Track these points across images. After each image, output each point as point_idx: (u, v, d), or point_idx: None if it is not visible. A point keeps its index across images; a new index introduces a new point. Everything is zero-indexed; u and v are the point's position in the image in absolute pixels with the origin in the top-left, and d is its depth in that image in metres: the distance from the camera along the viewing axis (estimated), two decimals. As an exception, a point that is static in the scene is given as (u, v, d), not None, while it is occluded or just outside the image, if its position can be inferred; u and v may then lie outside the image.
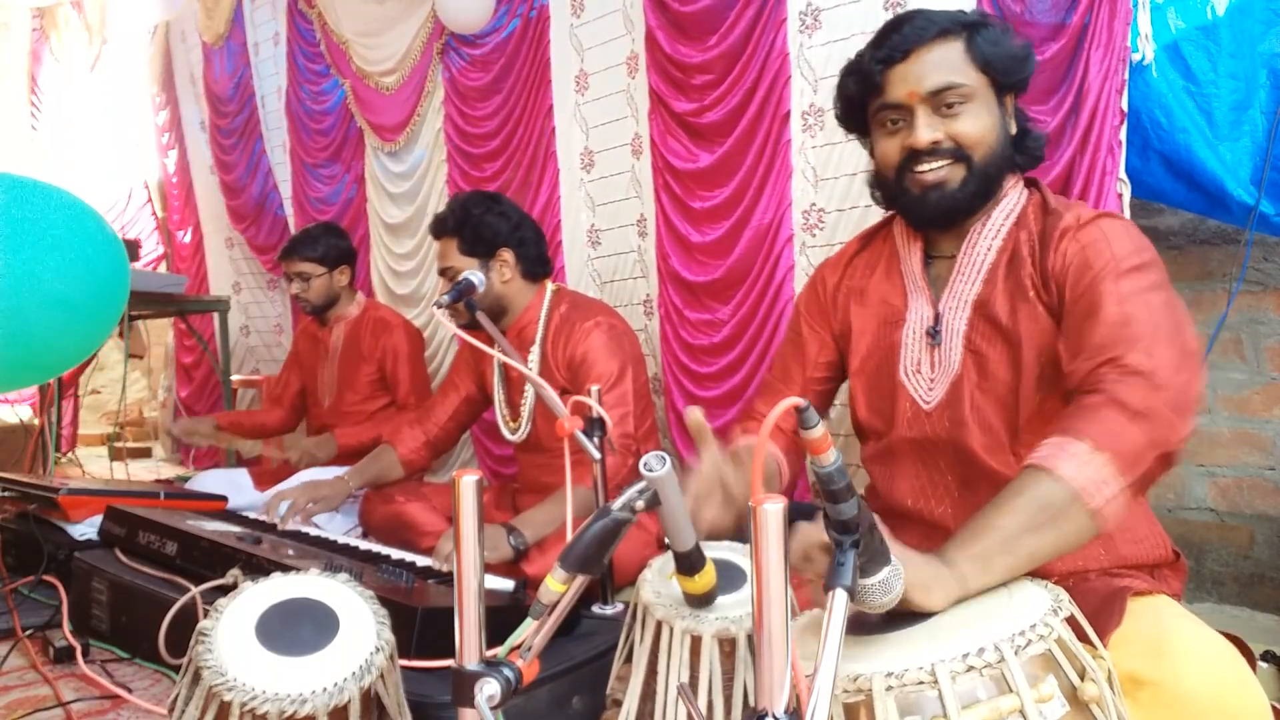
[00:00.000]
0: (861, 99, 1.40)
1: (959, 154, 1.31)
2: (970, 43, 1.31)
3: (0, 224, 1.86)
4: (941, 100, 1.30)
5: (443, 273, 2.41)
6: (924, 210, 1.36)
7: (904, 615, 0.96)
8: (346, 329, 3.16)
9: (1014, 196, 1.37)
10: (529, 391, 2.41)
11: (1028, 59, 1.35)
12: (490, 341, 2.09)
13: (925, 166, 1.32)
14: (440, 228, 2.40)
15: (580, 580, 0.93)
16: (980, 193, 1.33)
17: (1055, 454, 1.05)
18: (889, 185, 1.40)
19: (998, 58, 1.31)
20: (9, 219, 1.88)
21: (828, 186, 2.45)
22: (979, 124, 1.31)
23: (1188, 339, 1.14)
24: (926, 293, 1.40)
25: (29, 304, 1.89)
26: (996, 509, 1.04)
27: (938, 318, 1.37)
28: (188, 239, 5.15)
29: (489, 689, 0.85)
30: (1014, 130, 1.37)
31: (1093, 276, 1.21)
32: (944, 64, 1.30)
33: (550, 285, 2.45)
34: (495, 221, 2.36)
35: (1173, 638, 1.00)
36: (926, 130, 1.30)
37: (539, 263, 2.41)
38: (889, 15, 2.29)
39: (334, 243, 3.13)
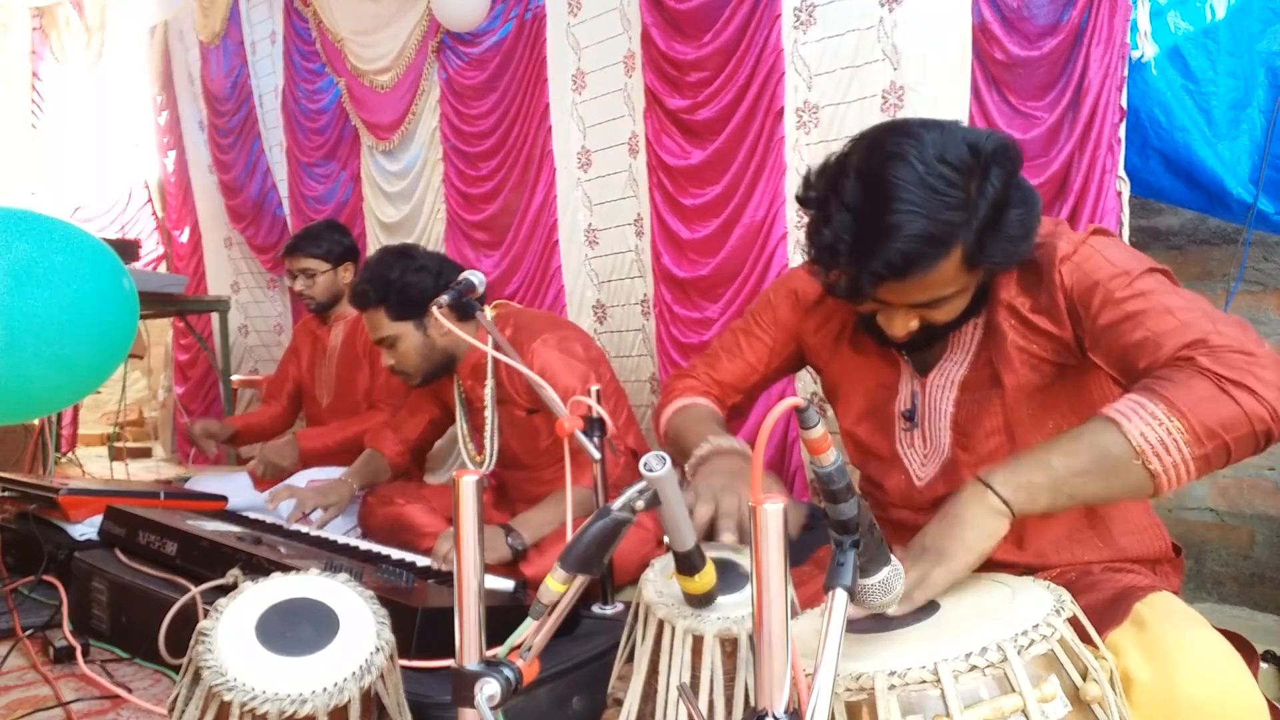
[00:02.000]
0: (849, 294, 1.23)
1: (927, 328, 1.24)
2: (965, 250, 1.13)
3: (6, 272, 1.79)
4: (924, 303, 1.21)
5: (379, 343, 2.38)
6: (896, 348, 1.34)
7: (909, 612, 0.96)
8: (346, 328, 3.15)
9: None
10: (490, 418, 2.37)
11: (1027, 225, 1.16)
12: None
13: (894, 333, 1.26)
14: (363, 301, 2.35)
15: (580, 580, 0.93)
16: (944, 337, 1.30)
17: (1128, 409, 1.04)
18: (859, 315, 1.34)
19: (995, 253, 1.15)
20: (14, 265, 1.80)
21: (825, 185, 2.44)
22: (957, 311, 1.23)
23: (1235, 317, 1.12)
24: (909, 369, 1.35)
25: (26, 358, 1.81)
26: (1052, 448, 1.05)
27: (913, 397, 1.33)
28: (185, 238, 5.15)
29: (489, 689, 0.85)
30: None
31: (1104, 291, 1.16)
32: (938, 282, 1.16)
33: (489, 310, 2.33)
34: (417, 279, 2.31)
35: (1171, 639, 0.99)
36: (902, 327, 1.22)
37: (465, 305, 2.10)
38: (884, 11, 2.29)
39: (338, 239, 3.13)
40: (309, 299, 3.13)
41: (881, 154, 1.13)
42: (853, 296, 1.19)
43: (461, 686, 0.86)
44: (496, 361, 2.28)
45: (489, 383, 2.35)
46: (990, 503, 1.04)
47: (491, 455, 2.39)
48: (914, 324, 1.22)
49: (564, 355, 2.26)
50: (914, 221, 1.09)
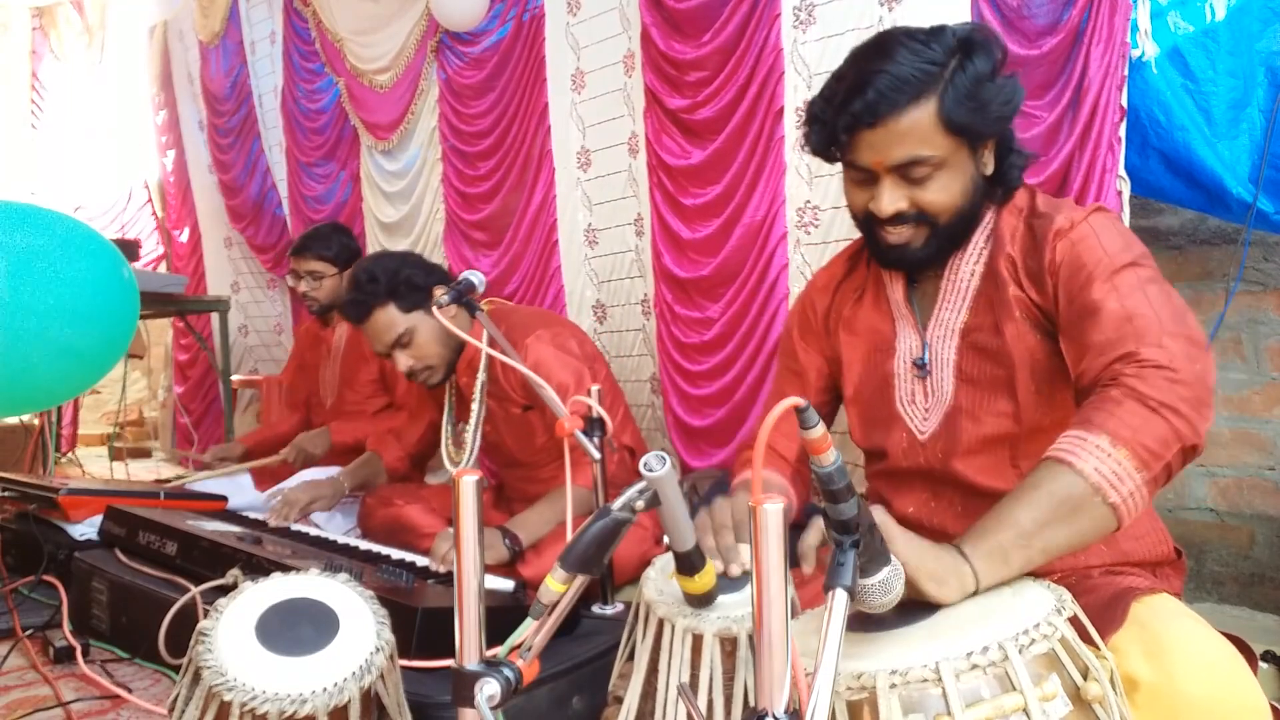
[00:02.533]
0: (827, 147, 1.32)
1: (923, 219, 1.27)
2: (941, 104, 1.20)
3: (6, 260, 1.81)
4: (908, 171, 1.24)
5: (395, 345, 2.32)
6: (887, 264, 1.37)
7: (909, 611, 0.96)
8: (350, 329, 3.16)
9: (989, 216, 1.34)
10: (474, 415, 2.38)
11: (1009, 103, 1.24)
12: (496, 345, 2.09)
13: (888, 230, 1.29)
14: (371, 298, 2.30)
15: (580, 580, 0.93)
16: (946, 248, 1.32)
17: (1074, 447, 1.05)
18: (858, 221, 1.36)
19: (972, 120, 1.22)
20: (16, 255, 1.82)
21: (822, 184, 2.45)
22: (947, 192, 1.26)
23: (1193, 328, 1.14)
24: (911, 320, 1.38)
25: (29, 347, 1.83)
26: (1014, 502, 1.04)
27: (924, 347, 1.36)
28: (184, 238, 5.15)
29: (489, 689, 0.85)
30: (990, 170, 1.31)
31: (1086, 275, 1.20)
32: (912, 135, 1.21)
33: (484, 307, 2.29)
34: (415, 271, 2.34)
35: (1172, 639, 0.99)
36: (890, 201, 1.26)
37: (469, 302, 2.14)
38: (883, 11, 2.29)
39: (345, 242, 3.15)
40: (313, 301, 3.13)
41: (872, 39, 1.29)
42: (831, 145, 1.28)
43: (461, 686, 0.86)
44: (491, 358, 2.27)
45: (480, 377, 2.35)
46: (965, 575, 0.99)
47: (472, 451, 2.39)
48: (903, 203, 1.26)
49: (558, 351, 2.26)
50: (887, 72, 1.21)
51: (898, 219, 1.27)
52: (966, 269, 1.33)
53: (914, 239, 1.29)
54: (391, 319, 2.30)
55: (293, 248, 3.17)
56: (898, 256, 1.32)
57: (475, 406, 2.36)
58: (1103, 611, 1.04)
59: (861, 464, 1.56)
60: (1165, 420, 1.05)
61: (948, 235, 1.30)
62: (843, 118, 1.23)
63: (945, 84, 1.21)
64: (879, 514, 0.96)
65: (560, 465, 1.78)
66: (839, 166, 1.35)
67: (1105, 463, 1.03)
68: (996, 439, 1.30)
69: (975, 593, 0.99)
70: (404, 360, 2.33)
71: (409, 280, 2.30)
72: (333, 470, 2.73)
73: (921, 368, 1.35)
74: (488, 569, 1.79)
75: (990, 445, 1.31)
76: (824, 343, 1.52)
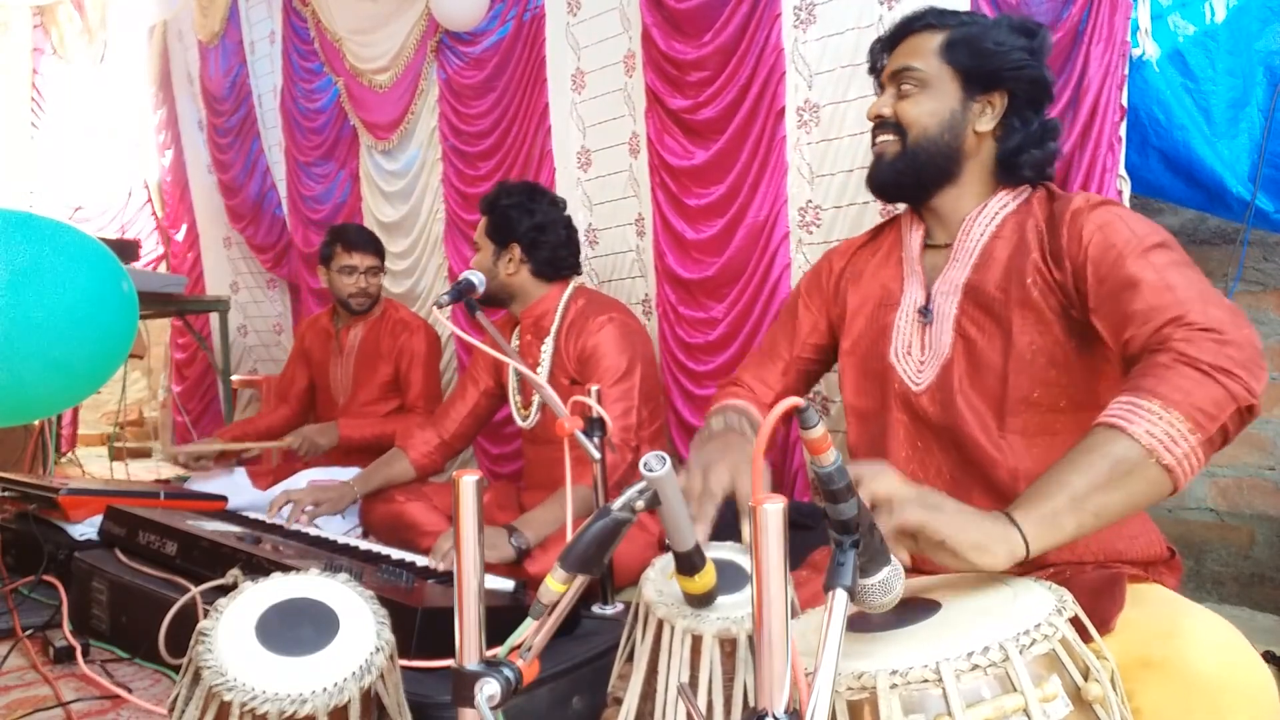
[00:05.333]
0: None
1: (897, 129, 1.42)
2: (949, 36, 1.40)
3: (4, 278, 1.78)
4: (900, 80, 1.42)
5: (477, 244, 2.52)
6: (869, 177, 1.48)
7: (910, 611, 0.96)
8: (365, 328, 3.15)
9: (1015, 190, 1.41)
10: (541, 372, 2.43)
11: (998, 54, 1.37)
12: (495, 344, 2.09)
13: (877, 137, 1.46)
14: (481, 205, 2.53)
15: (580, 580, 0.93)
16: (907, 171, 1.41)
17: (1126, 412, 1.05)
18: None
19: (964, 51, 1.38)
20: (13, 268, 1.80)
21: (824, 183, 2.45)
22: (920, 108, 1.40)
23: (1229, 303, 1.15)
24: (921, 276, 1.44)
25: (24, 363, 1.80)
26: (1067, 465, 1.04)
27: (929, 298, 1.40)
28: (181, 237, 5.15)
29: (489, 689, 0.84)
30: (981, 125, 1.40)
31: (1117, 254, 1.22)
32: (913, 50, 1.42)
33: (574, 281, 2.51)
34: (517, 217, 2.43)
35: (1180, 620, 1.01)
36: (878, 104, 1.44)
37: (550, 265, 2.45)
38: (884, 10, 2.30)
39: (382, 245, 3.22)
40: (365, 297, 3.11)
41: None
42: (880, 50, 1.49)
43: (462, 686, 0.86)
44: (560, 323, 2.42)
45: (549, 341, 2.43)
46: (1014, 541, 0.99)
47: (535, 411, 2.47)
48: (886, 109, 1.43)
49: (622, 338, 2.34)
50: (927, 8, 1.46)
51: (881, 126, 1.44)
52: (978, 231, 1.40)
53: (888, 150, 1.43)
54: (480, 226, 2.50)
55: (341, 243, 3.08)
56: (875, 168, 1.46)
57: (542, 370, 2.42)
58: (1098, 597, 1.05)
59: (843, 429, 1.57)
60: (1218, 382, 1.05)
61: (911, 157, 1.41)
62: (886, 35, 1.49)
63: (960, 25, 1.41)
64: (904, 486, 1.00)
65: (579, 454, 1.80)
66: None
67: (1158, 425, 1.03)
68: (986, 399, 1.33)
69: (1026, 559, 0.99)
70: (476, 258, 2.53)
71: (503, 214, 2.44)
72: (341, 472, 2.71)
73: (926, 314, 1.40)
74: (489, 568, 1.80)
75: (979, 404, 1.33)
76: (829, 302, 1.59)
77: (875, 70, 1.52)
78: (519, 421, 2.52)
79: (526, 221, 2.42)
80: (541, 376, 2.39)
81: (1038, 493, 1.03)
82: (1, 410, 1.89)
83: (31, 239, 1.86)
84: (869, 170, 1.48)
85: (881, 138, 1.44)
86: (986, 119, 1.40)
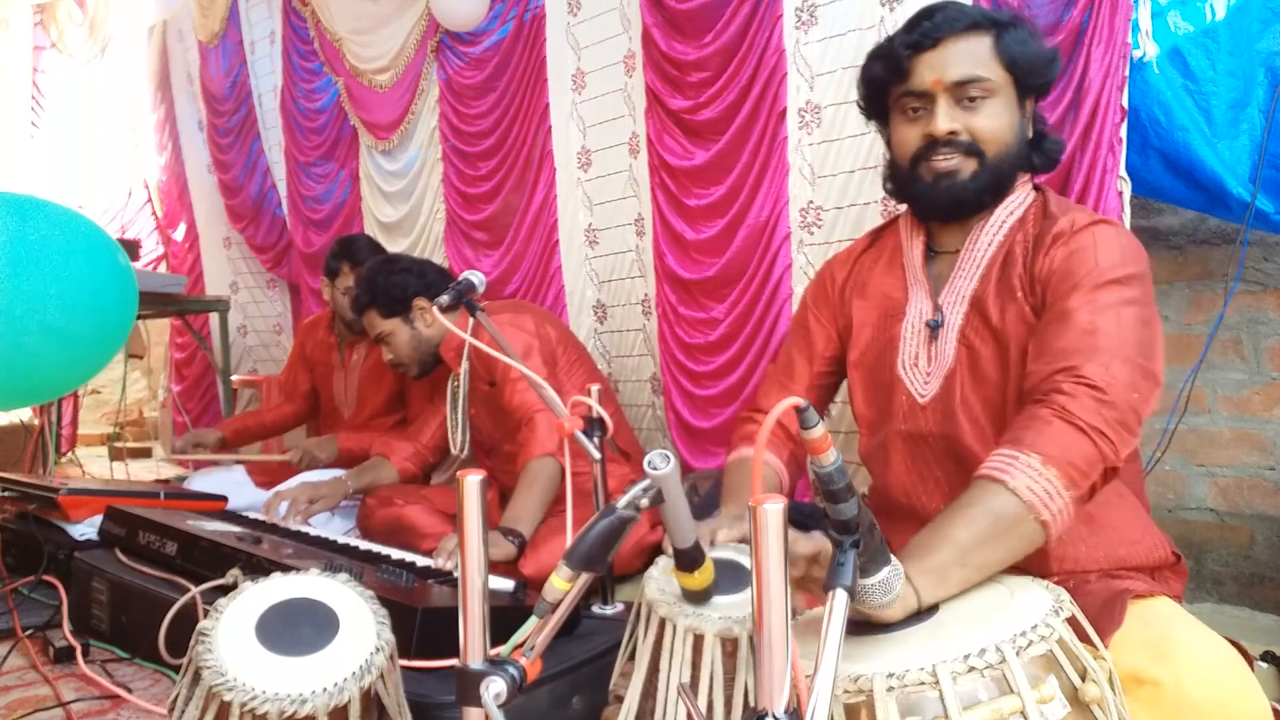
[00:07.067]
0: (885, 84, 1.41)
1: (973, 148, 1.33)
2: (999, 39, 1.32)
3: (4, 250, 1.81)
4: (964, 92, 1.32)
5: (378, 340, 2.67)
6: (934, 198, 1.37)
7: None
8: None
9: (1019, 195, 1.39)
10: (460, 397, 2.51)
11: (1053, 62, 1.36)
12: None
13: (940, 155, 1.33)
14: (357, 306, 2.67)
15: (585, 578, 0.93)
16: (989, 188, 1.34)
17: (1007, 465, 1.07)
18: (902, 173, 1.41)
19: (1024, 57, 1.32)
20: (14, 245, 1.83)
21: (825, 184, 2.45)
22: (997, 121, 1.32)
23: (1150, 359, 1.16)
24: (926, 286, 1.41)
25: (28, 335, 1.84)
26: (951, 520, 1.06)
27: (937, 309, 1.38)
28: (179, 237, 5.15)
29: (495, 687, 0.84)
30: (1030, 133, 1.38)
31: (1072, 284, 1.22)
32: (970, 56, 1.32)
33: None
34: (400, 279, 2.59)
35: (1175, 638, 1.00)
36: (945, 119, 1.32)
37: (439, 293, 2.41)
38: (885, 11, 2.29)
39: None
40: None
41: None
42: (893, 68, 1.36)
43: (467, 685, 0.86)
44: (473, 348, 2.45)
45: (464, 365, 2.50)
46: (907, 594, 0.98)
47: (463, 432, 2.53)
48: (957, 124, 1.31)
49: (509, 331, 2.37)
50: (952, 5, 1.36)
51: (950, 143, 1.32)
52: (985, 239, 1.37)
53: (962, 168, 1.33)
54: (373, 321, 2.64)
55: (349, 261, 3.06)
56: (946, 187, 1.34)
57: (460, 389, 2.51)
58: (1100, 613, 1.05)
59: (858, 460, 1.57)
60: (1092, 441, 1.08)
61: (993, 172, 1.33)
62: (909, 36, 1.34)
63: (1003, 27, 1.33)
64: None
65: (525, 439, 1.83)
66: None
67: (1037, 481, 1.05)
68: (986, 411, 1.32)
69: (918, 611, 0.99)
70: (385, 354, 2.69)
71: (388, 291, 2.59)
72: (339, 473, 2.72)
73: (934, 329, 1.37)
74: (491, 568, 1.79)
75: (980, 416, 1.33)
76: (837, 313, 1.55)
77: (897, 76, 1.37)
78: (453, 449, 2.56)
79: (409, 277, 2.58)
80: (461, 389, 2.51)
81: (925, 546, 1.04)
82: (9, 389, 1.91)
83: (26, 217, 1.92)
84: (930, 188, 1.36)
85: (949, 154, 1.33)
86: (1029, 122, 1.39)
